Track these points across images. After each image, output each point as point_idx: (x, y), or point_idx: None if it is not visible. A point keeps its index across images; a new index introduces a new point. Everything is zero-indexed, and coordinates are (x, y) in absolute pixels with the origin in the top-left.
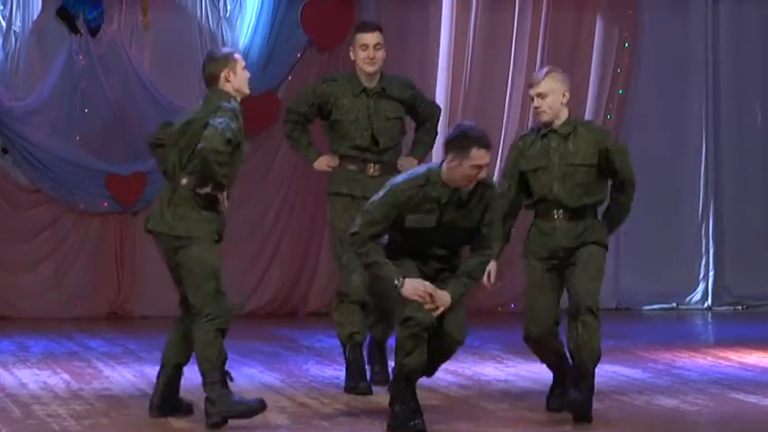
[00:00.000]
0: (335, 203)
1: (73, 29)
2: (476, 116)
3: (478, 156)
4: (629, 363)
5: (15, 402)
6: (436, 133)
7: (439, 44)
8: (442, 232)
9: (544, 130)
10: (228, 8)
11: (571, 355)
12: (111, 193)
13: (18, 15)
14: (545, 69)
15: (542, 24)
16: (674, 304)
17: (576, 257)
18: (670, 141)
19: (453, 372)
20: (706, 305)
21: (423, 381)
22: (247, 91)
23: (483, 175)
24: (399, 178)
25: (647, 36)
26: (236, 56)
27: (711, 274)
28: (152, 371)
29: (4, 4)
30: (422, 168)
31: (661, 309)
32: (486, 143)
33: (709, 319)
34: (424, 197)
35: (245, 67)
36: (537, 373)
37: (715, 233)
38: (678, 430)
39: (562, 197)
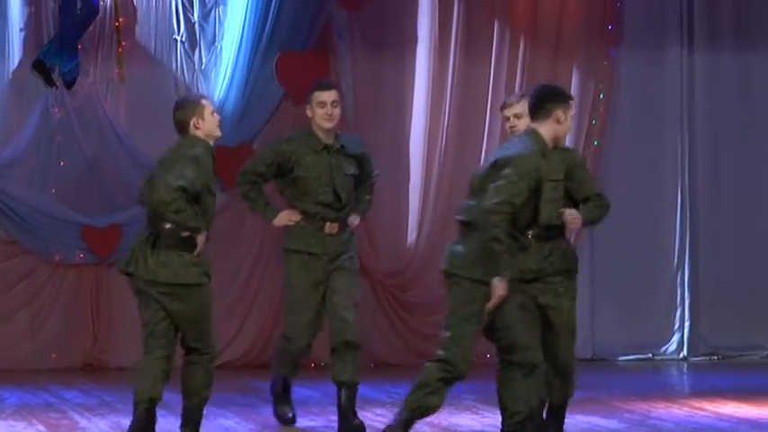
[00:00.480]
0: (292, 260)
1: (49, 81)
2: (454, 164)
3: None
4: (604, 413)
5: None
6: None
7: (413, 95)
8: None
9: None
10: (204, 60)
11: None
12: (87, 245)
13: None
14: (519, 93)
15: (518, 75)
16: (650, 354)
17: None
18: (646, 191)
19: (429, 423)
20: (681, 355)
21: None
22: (218, 134)
23: None
24: (518, 155)
25: (622, 87)
26: (203, 101)
27: (687, 324)
28: (127, 421)
29: None
30: (523, 142)
31: (636, 359)
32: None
33: (685, 370)
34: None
35: (214, 112)
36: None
37: (690, 283)
38: None
39: None
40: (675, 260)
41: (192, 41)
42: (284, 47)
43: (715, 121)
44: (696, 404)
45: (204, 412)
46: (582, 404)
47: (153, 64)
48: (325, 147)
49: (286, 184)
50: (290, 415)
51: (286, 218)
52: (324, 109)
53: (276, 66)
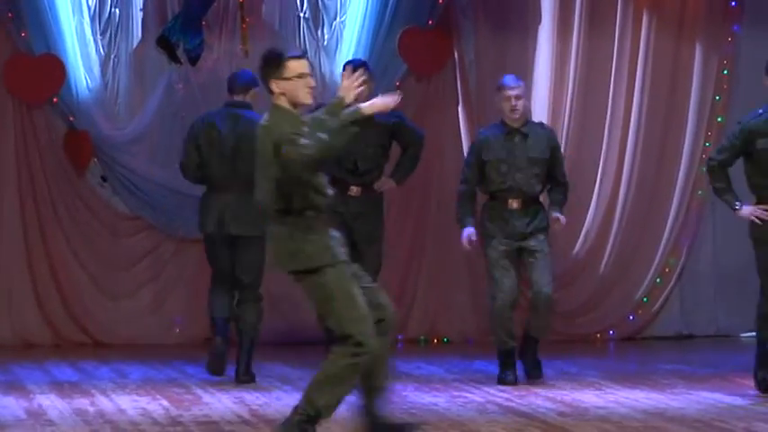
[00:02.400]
0: None
1: (173, 58)
2: (577, 142)
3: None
4: (728, 390)
5: (114, 429)
6: None
7: (535, 73)
8: None
9: None
10: (326, 37)
11: None
12: None
13: (117, 44)
14: (516, 77)
15: (641, 52)
16: None
17: None
18: None
19: (552, 398)
20: None
21: (519, 407)
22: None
23: None
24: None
25: (745, 64)
26: None
27: None
28: (250, 397)
29: (104, 33)
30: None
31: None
32: None
33: None
34: None
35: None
36: (635, 400)
37: None
38: None
39: None
40: None
41: (316, 18)
42: (407, 23)
43: None
44: None
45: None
46: (705, 380)
47: (276, 40)
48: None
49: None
50: None
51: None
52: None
53: (399, 42)
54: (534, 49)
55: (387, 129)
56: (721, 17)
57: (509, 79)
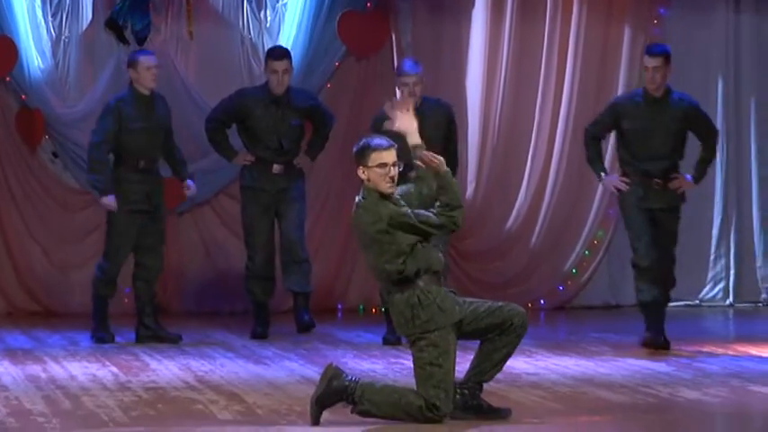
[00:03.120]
0: (246, 194)
1: (121, 39)
2: (510, 121)
3: None
4: (653, 357)
5: (66, 394)
6: None
7: (470, 54)
8: None
9: None
10: (269, 19)
11: None
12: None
13: (68, 25)
14: (414, 62)
15: (572, 34)
16: (697, 301)
17: None
18: (691, 141)
19: None
20: (727, 302)
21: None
22: None
23: None
24: None
25: (671, 45)
26: None
27: (732, 273)
28: (196, 364)
29: (54, 15)
30: None
31: (685, 305)
32: None
33: (730, 316)
34: None
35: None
36: (565, 367)
37: (736, 234)
38: (701, 421)
39: None
40: (720, 215)
41: (259, 1)
42: (346, 6)
43: (760, 78)
44: (740, 348)
45: (271, 354)
46: (631, 349)
47: (220, 22)
48: (274, 100)
49: (241, 130)
50: (259, 331)
51: (242, 159)
52: (275, 75)
53: (339, 24)
54: (468, 31)
55: (305, 111)
56: (648, 0)
57: (408, 65)
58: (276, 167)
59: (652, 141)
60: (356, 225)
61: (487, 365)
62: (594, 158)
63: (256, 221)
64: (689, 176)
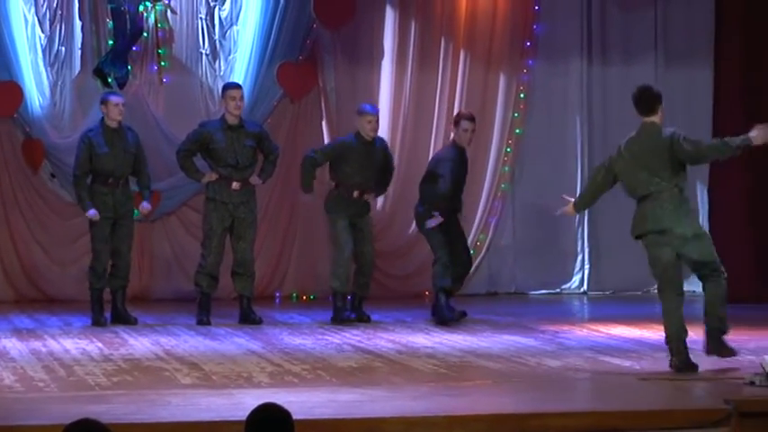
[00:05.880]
0: (209, 204)
1: (105, 84)
2: (410, 150)
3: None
4: (523, 334)
5: (61, 364)
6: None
7: (380, 97)
8: None
9: None
10: (222, 68)
11: None
12: (135, 207)
13: (63, 73)
14: (373, 105)
15: (459, 82)
16: (558, 290)
17: None
18: (555, 168)
19: (392, 340)
20: (582, 290)
21: (368, 347)
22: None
23: None
24: None
25: (538, 90)
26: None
27: (587, 266)
28: (164, 340)
29: (53, 65)
30: None
31: (548, 293)
32: None
33: (585, 302)
34: None
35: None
36: (455, 342)
37: (589, 236)
38: (562, 385)
39: None
40: (577, 217)
41: (214, 54)
42: (283, 58)
43: (606, 116)
44: (593, 327)
45: (223, 332)
46: (505, 327)
47: (184, 71)
48: (230, 126)
49: (205, 154)
50: (204, 319)
51: (207, 178)
52: (233, 101)
53: (277, 73)
54: (379, 78)
55: (255, 135)
56: (519, 54)
57: (369, 107)
58: (235, 185)
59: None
60: None
61: None
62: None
63: (215, 228)
64: None
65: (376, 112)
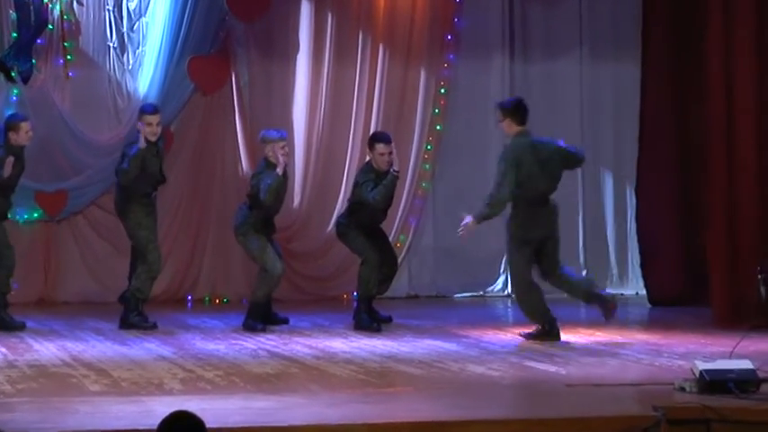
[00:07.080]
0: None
1: (9, 78)
2: (327, 147)
3: None
4: (445, 338)
5: None
6: None
7: (296, 92)
8: None
9: None
10: (131, 62)
11: None
12: (40, 206)
13: None
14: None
15: (378, 76)
16: (481, 292)
17: None
18: (475, 167)
19: (309, 345)
20: (507, 293)
21: (284, 352)
22: None
23: None
24: None
25: (459, 86)
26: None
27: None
28: (71, 345)
29: None
30: None
31: (471, 296)
32: None
33: (510, 305)
34: None
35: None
36: (374, 346)
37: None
38: (486, 391)
39: None
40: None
41: (122, 47)
42: (194, 51)
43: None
44: (517, 331)
45: (132, 337)
46: (427, 332)
47: (91, 65)
48: (152, 147)
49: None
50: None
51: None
52: (151, 128)
53: (188, 66)
54: (294, 72)
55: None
56: (440, 48)
57: (277, 133)
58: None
59: None
60: None
61: None
62: None
63: (154, 231)
64: None
65: (284, 138)
